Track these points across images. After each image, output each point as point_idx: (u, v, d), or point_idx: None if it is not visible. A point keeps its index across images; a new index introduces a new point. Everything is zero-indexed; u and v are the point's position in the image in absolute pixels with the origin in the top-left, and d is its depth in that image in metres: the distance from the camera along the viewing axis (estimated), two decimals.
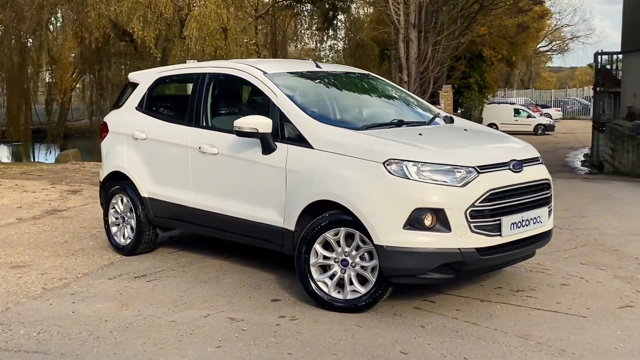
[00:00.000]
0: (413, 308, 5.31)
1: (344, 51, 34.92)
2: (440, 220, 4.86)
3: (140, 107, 7.04)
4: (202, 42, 21.95)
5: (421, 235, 4.87)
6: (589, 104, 54.64)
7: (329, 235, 5.21)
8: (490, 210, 4.95)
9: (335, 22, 28.39)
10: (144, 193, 6.81)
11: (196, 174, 6.28)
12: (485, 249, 4.95)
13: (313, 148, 5.38)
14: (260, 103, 5.99)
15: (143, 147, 6.83)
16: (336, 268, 5.23)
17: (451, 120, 6.25)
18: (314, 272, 5.30)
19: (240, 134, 5.59)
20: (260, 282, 6.05)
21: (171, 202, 6.56)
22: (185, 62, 26.38)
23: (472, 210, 4.87)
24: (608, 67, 28.15)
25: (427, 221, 4.86)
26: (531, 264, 6.42)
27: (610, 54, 28.15)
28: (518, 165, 5.22)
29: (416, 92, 22.46)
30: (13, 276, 6.42)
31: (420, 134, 5.51)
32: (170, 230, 7.33)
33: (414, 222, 4.86)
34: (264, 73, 6.02)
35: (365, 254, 5.12)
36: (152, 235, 7.03)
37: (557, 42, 58.64)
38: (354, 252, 5.15)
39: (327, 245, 5.27)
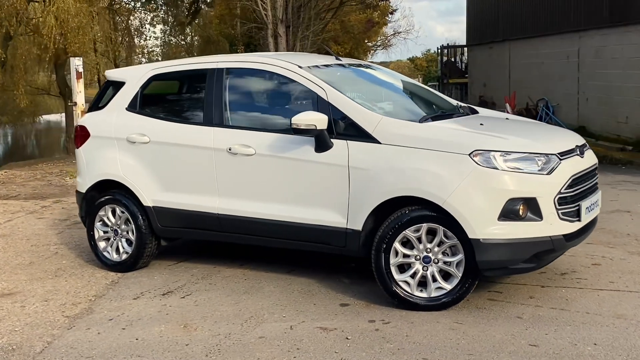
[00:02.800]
0: (488, 300, 5.27)
1: (193, 47, 34.13)
2: (532, 209, 4.85)
3: (132, 108, 6.39)
4: (63, 39, 20.44)
5: (516, 226, 4.84)
6: None
7: (409, 232, 5.03)
8: (571, 197, 5.02)
9: (198, 16, 27.57)
10: (147, 202, 6.20)
11: (224, 177, 5.81)
12: (569, 235, 5.02)
13: (380, 143, 5.16)
14: (301, 98, 5.66)
15: (144, 151, 6.20)
16: (417, 266, 5.06)
17: (475, 111, 6.26)
18: (394, 271, 5.10)
19: (297, 131, 5.24)
20: (307, 287, 5.72)
21: (186, 209, 6.02)
22: (31, 62, 24.14)
23: (559, 198, 4.92)
24: (452, 59, 29.76)
25: (521, 211, 4.83)
26: None
27: (455, 47, 29.78)
28: (581, 150, 5.35)
29: None
30: (12, 306, 5.62)
31: (481, 124, 5.47)
32: (175, 241, 6.74)
33: (509, 212, 4.82)
34: (300, 67, 5.69)
35: (448, 249, 5.01)
36: (154, 248, 6.43)
37: (381, 37, 61.02)
38: (436, 248, 5.02)
39: (404, 243, 5.09)
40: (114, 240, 6.48)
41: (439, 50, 29.82)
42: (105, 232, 6.53)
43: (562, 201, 4.94)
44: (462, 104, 6.40)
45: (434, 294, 5.05)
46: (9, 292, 6.03)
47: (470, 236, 4.83)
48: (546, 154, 4.97)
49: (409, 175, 5.03)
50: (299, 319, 5.02)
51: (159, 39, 37.49)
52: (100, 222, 6.53)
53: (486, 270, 4.94)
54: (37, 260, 7.02)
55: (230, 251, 6.85)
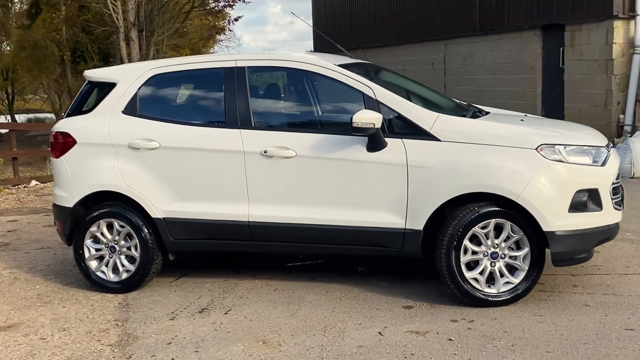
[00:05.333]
0: (540, 292, 5.37)
1: (16, 53, 31.63)
2: (594, 199, 5.04)
3: (131, 111, 5.79)
4: None
5: (584, 217, 5.00)
6: None
7: (477, 228, 5.02)
8: (618, 187, 5.29)
9: (37, 18, 25.41)
10: (156, 213, 5.66)
11: (257, 182, 5.44)
12: (618, 223, 5.27)
13: (440, 140, 5.11)
14: (345, 97, 5.46)
15: (152, 158, 5.65)
16: (486, 262, 5.07)
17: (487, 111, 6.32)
18: (464, 269, 5.06)
19: (357, 130, 5.04)
20: (349, 293, 5.50)
21: (207, 219, 5.57)
22: None
23: (613, 188, 5.15)
24: None
25: (587, 202, 5.00)
26: None
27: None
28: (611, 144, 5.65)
29: None
30: (27, 339, 4.91)
31: (522, 120, 5.58)
32: (180, 254, 6.17)
33: (577, 204, 4.97)
34: (337, 65, 5.49)
35: (513, 244, 5.06)
36: (160, 264, 5.88)
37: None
38: (503, 244, 5.05)
39: (470, 240, 5.07)
40: (110, 258, 5.84)
41: None
42: (98, 250, 5.87)
43: (614, 191, 5.18)
44: (470, 104, 6.49)
45: (502, 289, 5.07)
46: (5, 324, 5.24)
47: (545, 229, 4.91)
48: (599, 146, 5.18)
49: (478, 171, 5.01)
50: (378, 325, 4.82)
51: None
52: (92, 240, 5.87)
53: (557, 262, 5.05)
54: (2, 288, 6.15)
55: (228, 261, 6.46)
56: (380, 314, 5.04)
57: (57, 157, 5.96)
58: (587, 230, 5.01)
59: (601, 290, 5.37)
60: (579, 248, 5.04)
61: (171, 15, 22.92)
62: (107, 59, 33.12)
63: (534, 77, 14.14)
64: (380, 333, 4.66)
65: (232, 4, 27.68)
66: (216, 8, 28.73)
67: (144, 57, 22.00)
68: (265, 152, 5.37)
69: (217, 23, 29.53)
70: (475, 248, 5.06)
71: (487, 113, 5.98)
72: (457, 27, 16.81)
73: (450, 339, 4.51)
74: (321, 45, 26.62)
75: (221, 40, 45.54)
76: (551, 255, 4.98)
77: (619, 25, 11.77)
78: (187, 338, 4.75)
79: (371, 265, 6.25)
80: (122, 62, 22.31)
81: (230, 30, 34.36)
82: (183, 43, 31.66)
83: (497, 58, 15.37)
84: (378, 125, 5.06)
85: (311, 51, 28.58)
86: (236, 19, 28.90)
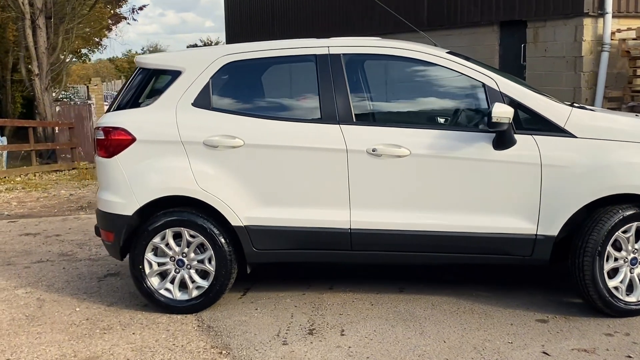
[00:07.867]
0: None
1: None
2: None
3: (203, 104, 4.97)
4: None
5: None
6: None
7: (619, 233, 4.63)
8: None
9: None
10: (238, 221, 4.89)
11: (361, 184, 4.78)
12: None
13: (576, 137, 4.67)
14: (463, 89, 4.92)
15: (234, 157, 4.87)
16: (625, 269, 4.69)
17: None
18: (607, 278, 4.65)
19: (494, 125, 4.52)
20: (456, 307, 4.95)
21: (301, 227, 4.86)
22: None
23: None
24: None
25: None
26: None
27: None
28: None
29: (49, 85, 20.10)
30: None
31: (637, 115, 5.26)
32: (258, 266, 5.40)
33: None
34: (449, 53, 4.95)
35: None
36: (234, 278, 5.12)
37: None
38: None
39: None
40: (177, 273, 5.02)
41: None
42: (160, 264, 5.02)
43: None
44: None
45: None
46: (76, 358, 4.33)
47: None
48: None
49: (625, 171, 4.59)
50: (531, 343, 4.32)
51: None
52: (153, 252, 5.02)
53: None
54: (34, 313, 5.19)
55: (282, 272, 5.78)
56: (520, 330, 4.54)
57: (108, 157, 5.04)
58: None
59: None
60: None
61: (79, 2, 21.29)
62: None
63: None
64: (545, 353, 4.17)
65: None
66: None
67: (52, 47, 20.41)
68: (373, 150, 4.74)
69: (116, 12, 27.83)
70: (617, 254, 4.67)
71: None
72: (402, 22, 16.53)
73: (629, 357, 4.09)
74: (234, 35, 25.81)
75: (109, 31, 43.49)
76: None
77: (588, 23, 11.85)
78: None
79: (449, 272, 5.75)
80: (27, 51, 20.58)
81: (135, 20, 32.60)
82: (78, 33, 29.74)
83: None
84: (510, 120, 4.56)
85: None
86: (140, 8, 27.37)
